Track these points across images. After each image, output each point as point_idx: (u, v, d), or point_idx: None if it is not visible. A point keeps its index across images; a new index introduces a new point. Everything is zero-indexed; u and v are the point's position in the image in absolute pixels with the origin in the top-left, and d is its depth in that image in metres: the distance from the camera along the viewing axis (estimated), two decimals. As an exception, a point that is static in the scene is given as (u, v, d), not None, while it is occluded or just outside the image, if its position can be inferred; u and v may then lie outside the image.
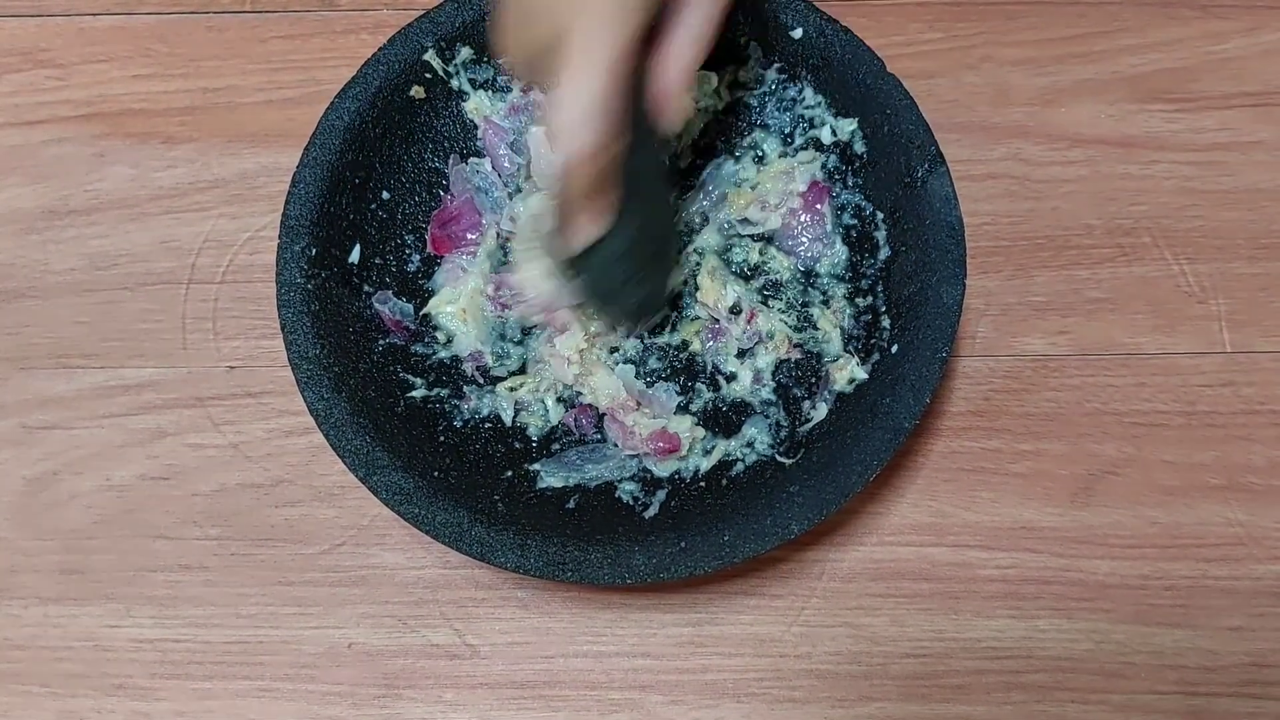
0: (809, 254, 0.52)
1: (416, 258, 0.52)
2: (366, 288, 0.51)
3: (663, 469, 0.49)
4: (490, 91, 0.53)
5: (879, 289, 0.51)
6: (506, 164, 0.53)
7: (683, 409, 0.51)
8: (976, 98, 0.57)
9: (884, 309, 0.50)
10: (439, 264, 0.52)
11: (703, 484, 0.49)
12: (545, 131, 0.43)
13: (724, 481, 0.48)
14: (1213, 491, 0.52)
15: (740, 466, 0.49)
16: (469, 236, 0.53)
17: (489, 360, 0.51)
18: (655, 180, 0.47)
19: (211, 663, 0.50)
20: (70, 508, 0.52)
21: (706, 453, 0.50)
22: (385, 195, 0.51)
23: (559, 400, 0.51)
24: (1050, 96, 0.57)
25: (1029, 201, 0.56)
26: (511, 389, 0.51)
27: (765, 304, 0.52)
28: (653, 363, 0.52)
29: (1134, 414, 0.53)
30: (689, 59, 0.44)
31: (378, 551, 0.51)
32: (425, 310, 0.51)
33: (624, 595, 0.50)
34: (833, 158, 0.52)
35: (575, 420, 0.51)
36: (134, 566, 0.51)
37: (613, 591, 0.50)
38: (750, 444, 0.50)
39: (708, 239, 0.53)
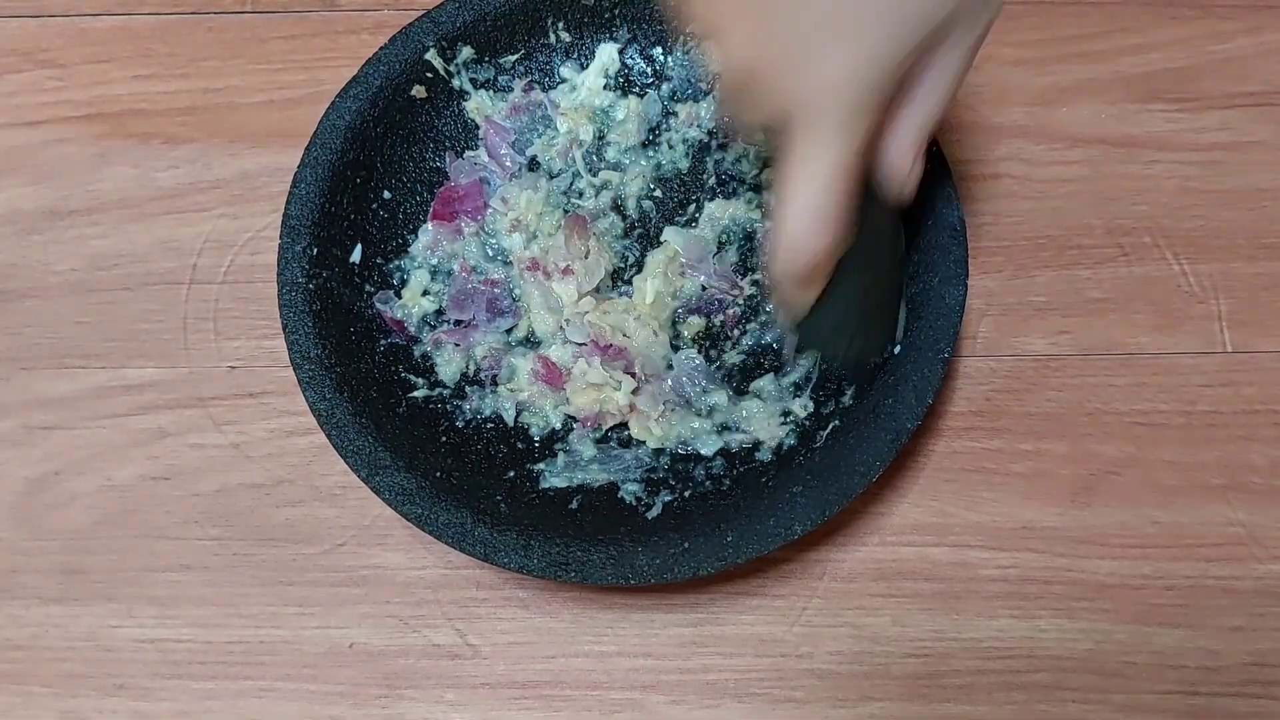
0: None
1: (418, 257, 0.53)
2: (368, 287, 0.51)
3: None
4: (491, 91, 0.54)
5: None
6: (508, 163, 0.53)
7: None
8: (977, 97, 0.57)
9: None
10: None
11: (708, 483, 0.48)
12: (772, 230, 0.41)
13: (727, 483, 0.48)
14: (1214, 491, 0.52)
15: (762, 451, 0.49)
16: (474, 220, 0.53)
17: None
18: (883, 240, 0.45)
19: (213, 663, 0.50)
20: (71, 508, 0.52)
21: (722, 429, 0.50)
22: (386, 195, 0.52)
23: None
24: (1051, 96, 0.57)
25: (1030, 201, 0.56)
26: (513, 389, 0.51)
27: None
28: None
29: (1135, 414, 0.53)
30: (920, 137, 0.41)
31: (379, 552, 0.51)
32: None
33: (626, 595, 0.50)
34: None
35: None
36: (135, 567, 0.51)
37: (614, 592, 0.50)
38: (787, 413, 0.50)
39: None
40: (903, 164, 0.41)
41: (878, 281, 0.46)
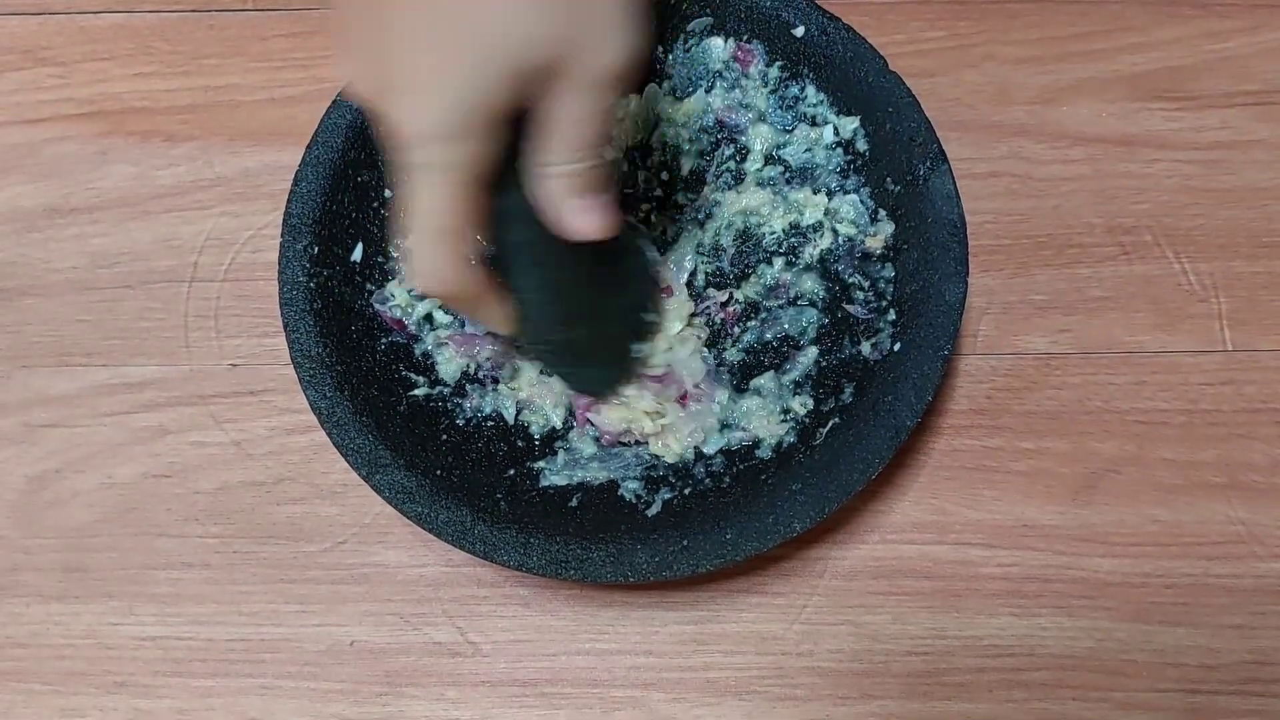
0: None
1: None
2: (369, 286, 0.51)
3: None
4: None
5: (883, 286, 0.51)
6: None
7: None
8: (978, 96, 0.57)
9: (887, 306, 0.50)
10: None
11: (708, 480, 0.49)
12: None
13: (727, 480, 0.48)
14: (1214, 490, 0.52)
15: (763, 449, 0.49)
16: None
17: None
18: (599, 268, 0.46)
19: (214, 660, 0.50)
20: (72, 506, 0.52)
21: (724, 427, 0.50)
22: (388, 193, 0.51)
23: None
24: (1051, 95, 0.57)
25: (1030, 200, 0.56)
26: (514, 388, 0.51)
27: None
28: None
29: (1135, 412, 0.53)
30: (560, 182, 0.39)
31: (380, 549, 0.51)
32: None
33: (626, 593, 0.50)
34: (835, 156, 0.52)
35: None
36: (136, 564, 0.51)
37: (615, 589, 0.50)
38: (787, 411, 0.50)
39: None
40: (552, 212, 0.40)
41: (604, 312, 0.47)
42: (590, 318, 0.47)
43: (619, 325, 0.50)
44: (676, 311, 0.51)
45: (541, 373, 0.51)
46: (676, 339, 0.51)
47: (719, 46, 0.53)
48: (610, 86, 0.38)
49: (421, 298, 0.51)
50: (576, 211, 0.40)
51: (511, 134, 0.38)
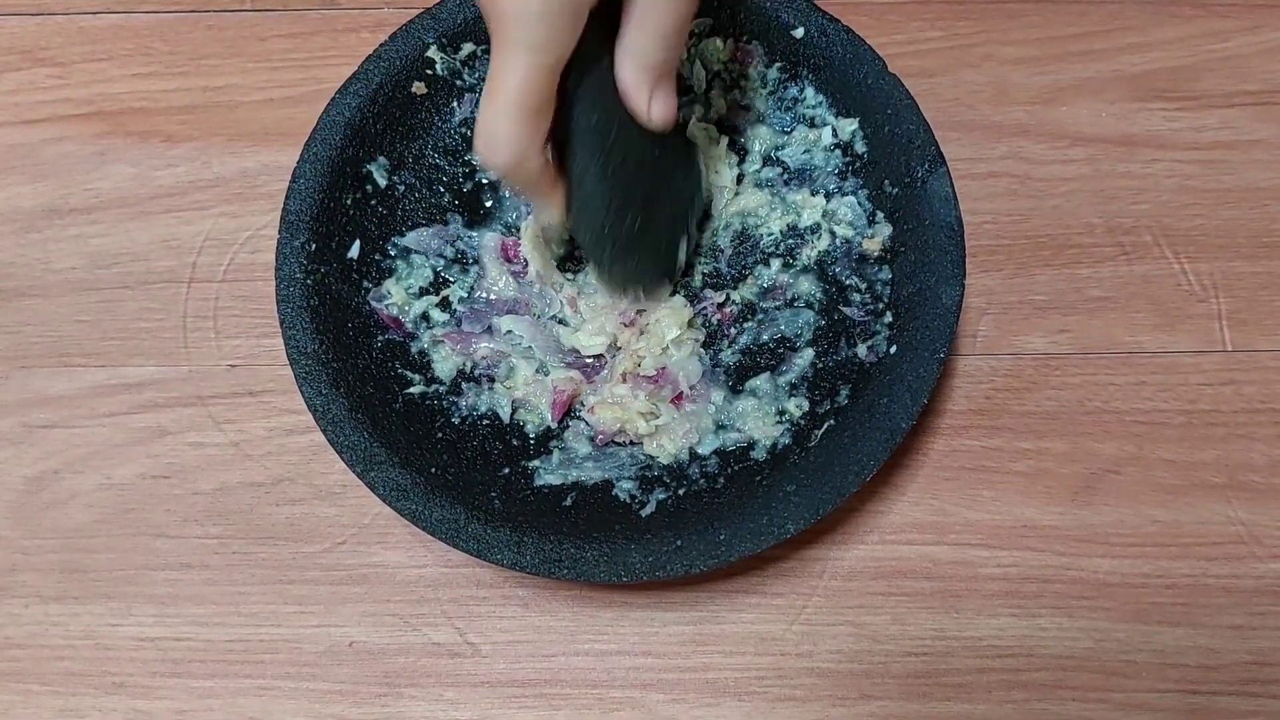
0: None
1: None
2: (366, 284, 0.50)
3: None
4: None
5: (879, 289, 0.51)
6: None
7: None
8: (977, 96, 0.57)
9: (883, 308, 0.50)
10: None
11: (702, 481, 0.48)
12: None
13: (721, 481, 0.48)
14: (1214, 490, 0.51)
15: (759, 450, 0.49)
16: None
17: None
18: (663, 167, 0.47)
19: (212, 661, 0.50)
20: (71, 506, 0.52)
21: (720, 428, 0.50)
22: (385, 191, 0.51)
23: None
24: (1051, 95, 0.57)
25: (1030, 200, 0.56)
26: (509, 387, 0.51)
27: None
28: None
29: (1135, 412, 0.53)
30: (642, 71, 0.42)
31: (379, 550, 0.51)
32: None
33: (625, 594, 0.50)
34: (833, 158, 0.52)
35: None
36: (135, 565, 0.51)
37: (613, 590, 0.50)
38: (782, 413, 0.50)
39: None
40: (634, 97, 0.43)
41: (654, 204, 0.48)
42: (642, 208, 0.48)
43: (667, 224, 0.50)
44: (675, 318, 0.51)
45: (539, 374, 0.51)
46: (674, 343, 0.51)
47: (718, 47, 0.53)
48: None
49: (421, 294, 0.51)
50: (659, 99, 0.43)
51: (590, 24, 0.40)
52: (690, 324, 0.52)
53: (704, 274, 0.53)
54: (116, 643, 0.50)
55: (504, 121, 0.41)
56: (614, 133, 0.44)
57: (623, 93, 0.43)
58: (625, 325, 0.52)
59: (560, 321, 0.52)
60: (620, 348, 0.52)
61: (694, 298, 0.52)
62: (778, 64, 0.52)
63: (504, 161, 0.42)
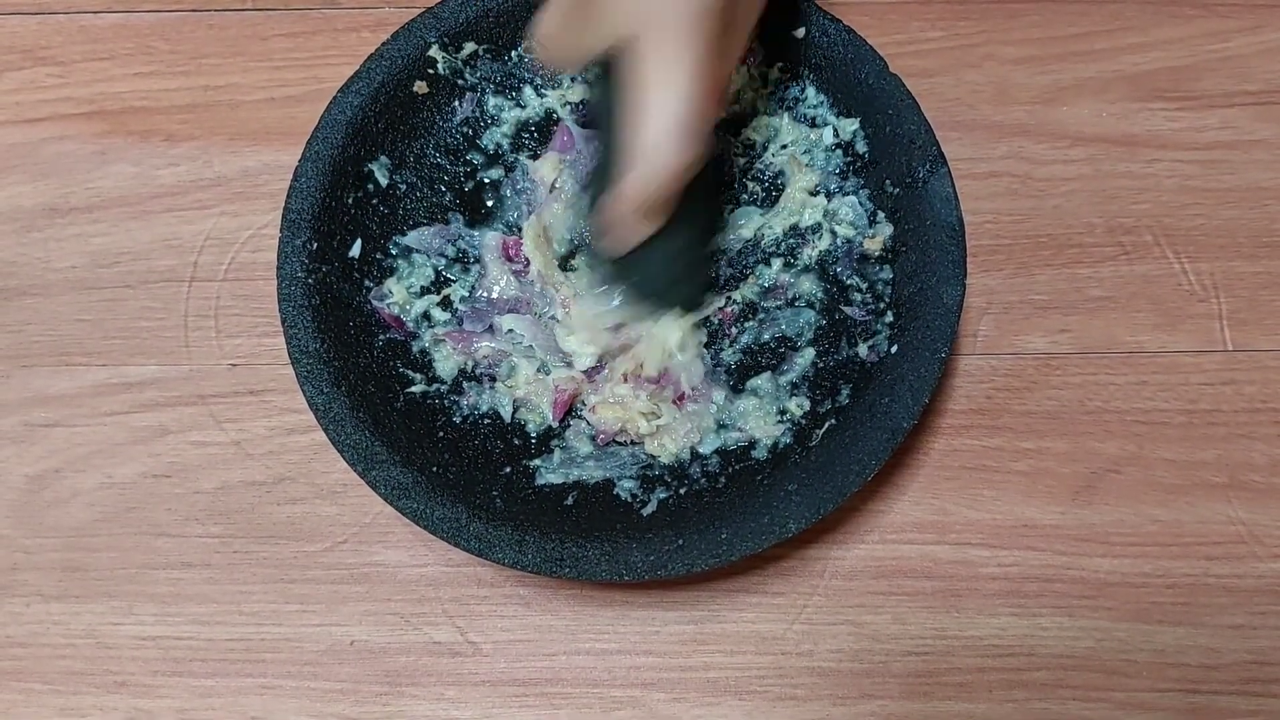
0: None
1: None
2: (367, 283, 0.51)
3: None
4: (502, 96, 0.53)
5: (880, 288, 0.51)
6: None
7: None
8: (978, 96, 0.57)
9: (884, 308, 0.50)
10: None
11: (703, 480, 0.49)
12: (628, 147, 0.41)
13: (722, 480, 0.48)
14: (1214, 490, 0.52)
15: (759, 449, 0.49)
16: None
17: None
18: (696, 197, 0.46)
19: (213, 660, 0.50)
20: (72, 505, 0.52)
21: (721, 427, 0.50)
22: (387, 189, 0.51)
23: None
24: (1052, 95, 0.57)
25: (1031, 200, 0.56)
26: (510, 386, 0.51)
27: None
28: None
29: (1135, 412, 0.53)
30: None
31: (380, 549, 0.51)
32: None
33: (626, 593, 0.50)
34: (834, 158, 0.52)
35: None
36: (136, 564, 0.51)
37: (614, 589, 0.50)
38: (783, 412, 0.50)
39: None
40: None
41: (695, 236, 0.49)
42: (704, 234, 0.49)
43: (695, 236, 0.50)
44: (676, 321, 0.51)
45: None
46: (676, 346, 0.51)
47: None
48: None
49: (423, 293, 0.51)
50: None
51: None
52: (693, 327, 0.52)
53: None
54: (118, 641, 0.50)
55: (687, 114, 0.39)
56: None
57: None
58: (616, 342, 0.51)
59: (560, 321, 0.52)
60: (612, 358, 0.52)
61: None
62: (779, 64, 0.52)
63: (688, 160, 0.40)
